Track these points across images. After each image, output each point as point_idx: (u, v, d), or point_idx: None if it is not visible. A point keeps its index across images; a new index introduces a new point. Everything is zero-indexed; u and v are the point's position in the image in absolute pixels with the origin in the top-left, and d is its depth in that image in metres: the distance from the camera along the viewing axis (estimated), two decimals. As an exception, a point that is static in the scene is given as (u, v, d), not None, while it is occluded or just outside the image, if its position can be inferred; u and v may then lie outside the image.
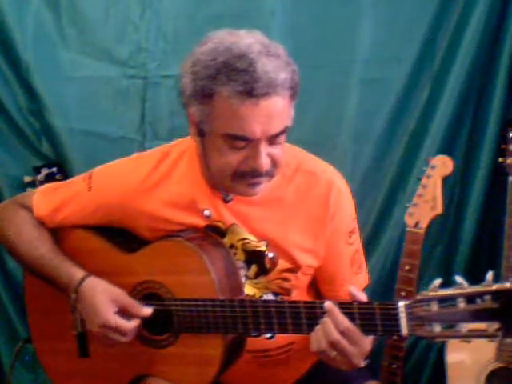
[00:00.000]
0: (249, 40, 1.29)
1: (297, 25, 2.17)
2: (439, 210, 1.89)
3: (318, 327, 1.27)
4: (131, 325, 1.39)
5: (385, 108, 2.20)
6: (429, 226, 1.91)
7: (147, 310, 1.40)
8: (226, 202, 1.45)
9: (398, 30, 2.15)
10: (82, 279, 1.43)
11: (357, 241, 1.54)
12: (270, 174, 1.35)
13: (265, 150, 1.30)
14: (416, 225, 1.90)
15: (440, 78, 2.16)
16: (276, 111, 1.28)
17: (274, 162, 1.34)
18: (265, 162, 1.31)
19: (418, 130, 2.20)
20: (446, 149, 2.12)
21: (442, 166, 1.89)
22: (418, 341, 2.29)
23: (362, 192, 2.18)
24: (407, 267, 1.90)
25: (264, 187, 1.38)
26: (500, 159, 2.00)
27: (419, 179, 1.91)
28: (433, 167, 1.89)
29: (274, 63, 1.26)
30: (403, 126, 2.21)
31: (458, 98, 2.15)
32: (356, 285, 1.52)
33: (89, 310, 1.40)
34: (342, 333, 1.24)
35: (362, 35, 2.16)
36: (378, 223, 2.26)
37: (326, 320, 1.26)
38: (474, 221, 2.20)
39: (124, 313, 1.40)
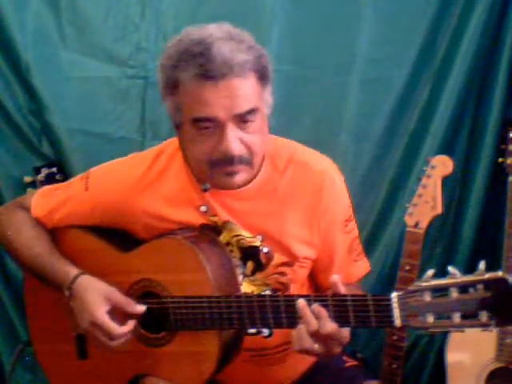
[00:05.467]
0: (212, 29, 1.32)
1: (297, 25, 2.17)
2: (439, 210, 1.89)
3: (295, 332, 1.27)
4: (122, 329, 1.38)
5: (385, 108, 2.20)
6: (429, 226, 1.90)
7: (141, 308, 1.40)
8: (204, 191, 1.44)
9: (398, 30, 2.15)
10: (76, 277, 1.42)
11: (354, 229, 1.54)
12: (245, 162, 1.35)
13: (233, 132, 1.31)
14: (416, 225, 1.90)
15: (440, 78, 2.16)
16: (238, 91, 1.29)
17: (250, 150, 1.34)
18: (235, 146, 1.31)
19: (417, 130, 2.21)
20: (446, 149, 2.12)
21: (442, 166, 1.89)
22: (419, 340, 2.29)
23: (361, 192, 2.19)
24: (407, 267, 1.90)
25: (243, 177, 1.37)
26: (500, 159, 2.00)
27: (419, 179, 1.91)
28: (433, 167, 1.89)
29: (232, 46, 1.28)
30: (403, 125, 2.21)
31: (458, 98, 2.15)
32: (356, 272, 1.55)
33: (80, 307, 1.40)
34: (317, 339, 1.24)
35: (362, 35, 2.16)
36: (377, 223, 2.26)
37: (301, 327, 1.25)
38: (474, 221, 2.21)
39: (117, 311, 1.39)
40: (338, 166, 1.54)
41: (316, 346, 1.25)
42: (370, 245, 2.21)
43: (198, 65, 1.27)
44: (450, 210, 2.20)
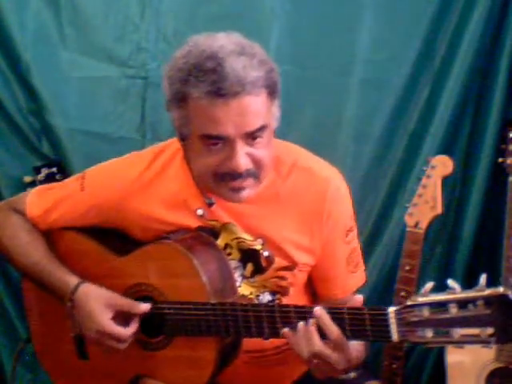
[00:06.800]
0: (222, 41, 1.29)
1: (297, 25, 2.17)
2: (439, 210, 1.89)
3: (298, 335, 1.26)
4: (127, 331, 1.38)
5: (385, 108, 2.20)
6: (429, 226, 1.91)
7: (145, 306, 1.39)
8: (209, 206, 1.44)
9: (398, 29, 2.15)
10: (76, 287, 1.42)
11: (354, 240, 1.52)
12: (253, 176, 1.34)
13: (242, 149, 1.29)
14: (416, 225, 1.90)
15: (440, 78, 2.16)
16: (249, 109, 1.27)
17: (257, 164, 1.33)
18: (242, 162, 1.30)
19: (417, 130, 2.21)
20: (446, 149, 2.12)
21: (442, 166, 1.89)
22: (418, 341, 2.29)
23: (362, 192, 2.19)
24: (407, 267, 1.90)
25: (250, 192, 1.36)
26: (500, 159, 2.00)
27: (419, 179, 1.91)
28: (433, 167, 1.89)
29: (244, 62, 1.26)
30: (403, 126, 2.21)
31: (458, 98, 2.15)
32: (351, 284, 1.52)
33: (84, 317, 1.40)
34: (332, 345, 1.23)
35: (362, 35, 2.16)
36: (378, 223, 2.26)
37: (312, 329, 1.25)
38: (474, 221, 2.21)
39: (121, 315, 1.39)
40: (337, 166, 1.53)
41: (334, 355, 1.24)
42: (369, 245, 2.21)
43: (211, 82, 1.24)
44: (449, 209, 2.20)
